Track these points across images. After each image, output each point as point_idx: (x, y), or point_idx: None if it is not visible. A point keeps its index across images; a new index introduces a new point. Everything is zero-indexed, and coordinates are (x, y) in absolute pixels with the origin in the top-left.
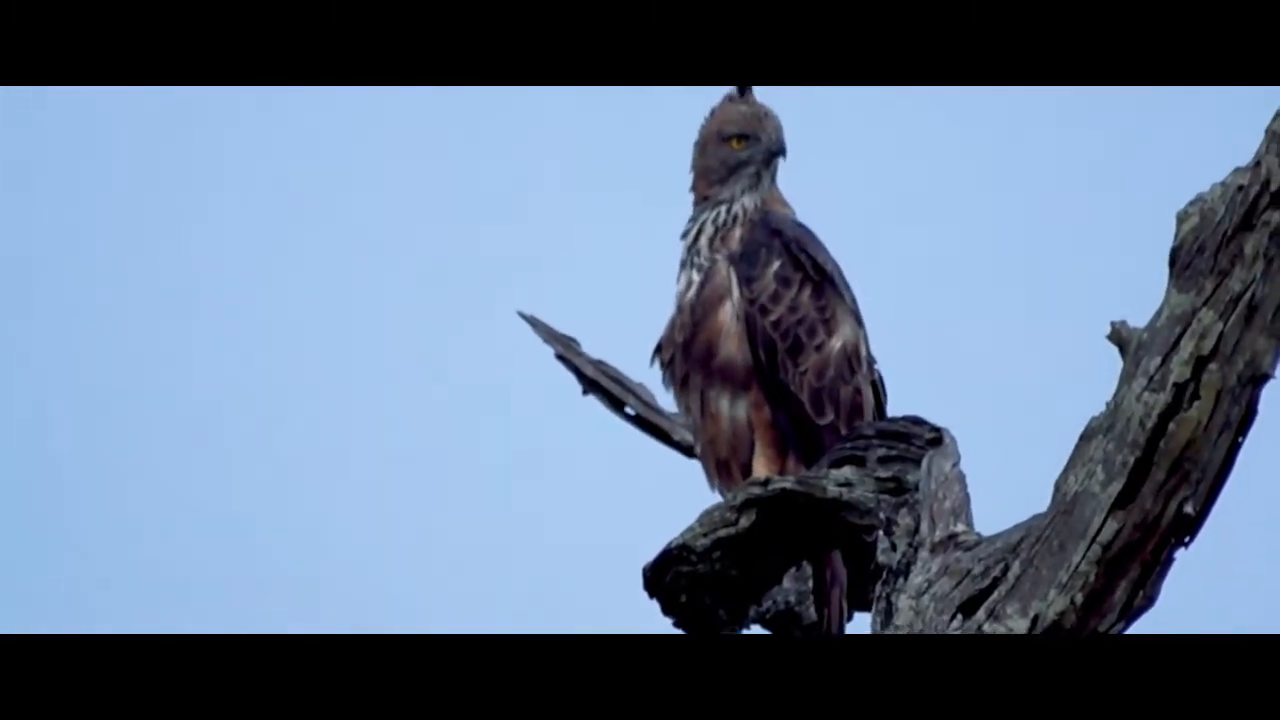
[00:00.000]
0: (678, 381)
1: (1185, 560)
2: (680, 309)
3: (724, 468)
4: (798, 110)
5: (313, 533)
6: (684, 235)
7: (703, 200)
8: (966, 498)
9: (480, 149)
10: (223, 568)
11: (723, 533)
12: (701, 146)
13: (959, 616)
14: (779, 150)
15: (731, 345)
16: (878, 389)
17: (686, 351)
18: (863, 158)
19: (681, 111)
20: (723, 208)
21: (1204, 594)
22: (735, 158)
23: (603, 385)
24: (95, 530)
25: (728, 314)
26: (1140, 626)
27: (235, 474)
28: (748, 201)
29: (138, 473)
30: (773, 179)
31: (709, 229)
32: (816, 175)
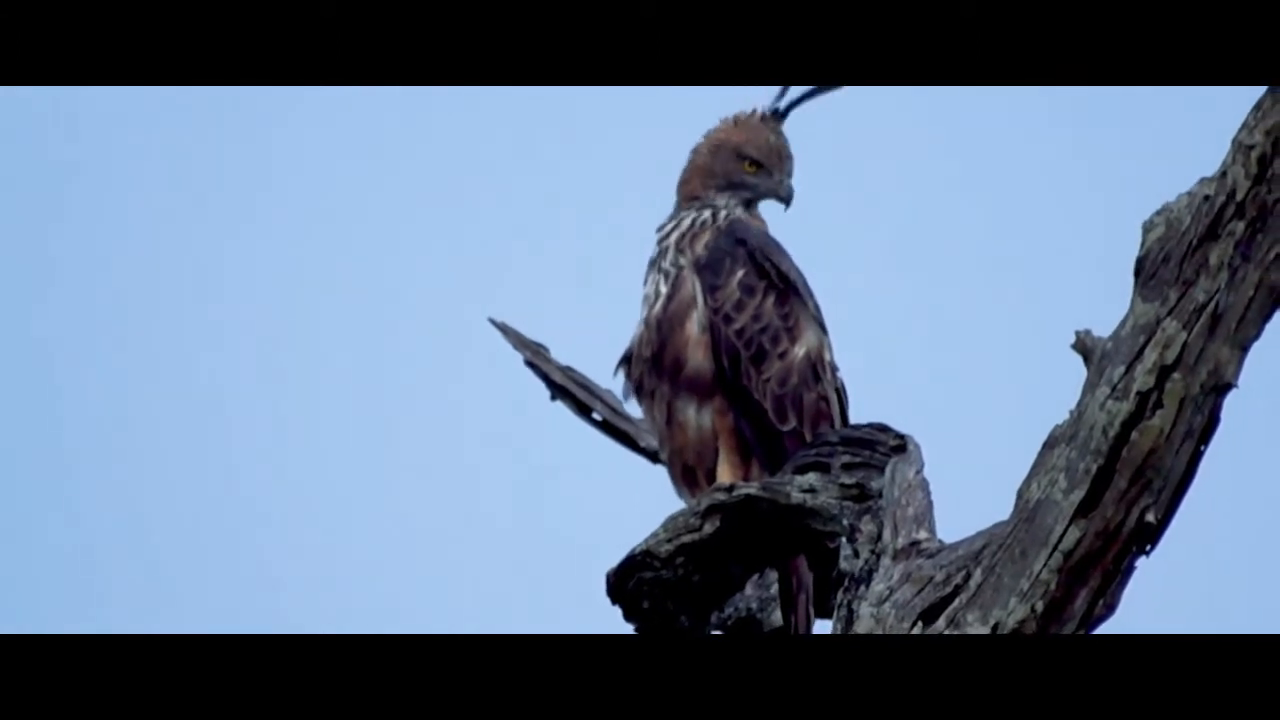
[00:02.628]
0: (645, 391)
1: (1146, 569)
2: (647, 324)
3: (689, 475)
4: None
5: (277, 536)
6: (660, 230)
7: (690, 199)
8: (929, 505)
9: (451, 153)
10: (193, 567)
11: (687, 539)
12: (714, 149)
13: (920, 624)
14: (785, 198)
15: (698, 355)
16: (841, 396)
17: (655, 365)
18: (829, 162)
19: (651, 116)
20: (707, 212)
21: (1165, 603)
22: (742, 178)
23: (571, 391)
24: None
25: (694, 326)
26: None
27: (199, 475)
28: (730, 213)
29: (101, 472)
30: (770, 202)
31: (684, 226)
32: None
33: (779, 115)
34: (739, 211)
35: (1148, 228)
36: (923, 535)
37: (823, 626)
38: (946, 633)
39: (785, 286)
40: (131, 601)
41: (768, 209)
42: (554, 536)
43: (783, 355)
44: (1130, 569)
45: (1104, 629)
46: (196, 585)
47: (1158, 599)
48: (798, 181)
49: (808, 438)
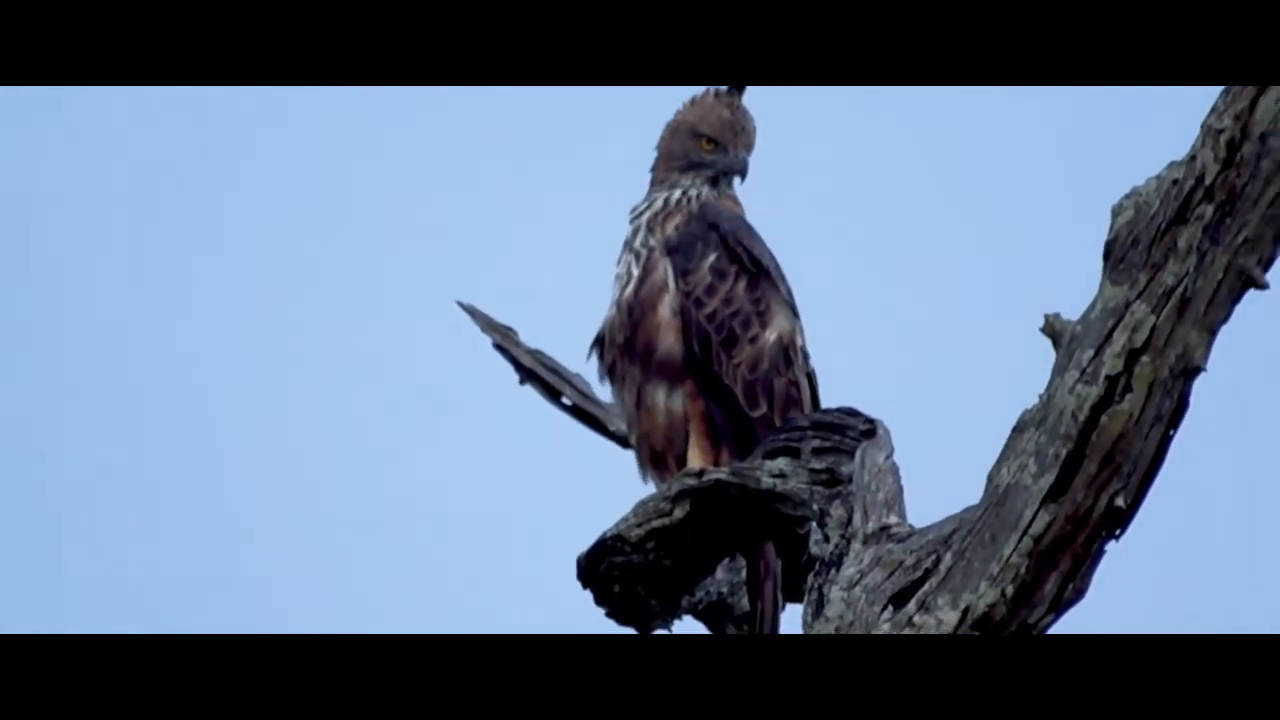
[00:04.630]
0: (617, 375)
1: (1115, 553)
2: (619, 308)
3: (659, 459)
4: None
5: (241, 523)
6: (633, 212)
7: (660, 182)
8: (899, 489)
9: (419, 138)
10: (157, 567)
11: (657, 523)
12: (673, 130)
13: (890, 608)
14: (739, 172)
15: (669, 339)
16: (811, 381)
17: (626, 349)
18: (802, 150)
19: (619, 107)
20: (677, 191)
21: (1135, 587)
22: (699, 156)
23: (540, 375)
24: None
25: (665, 311)
26: (1070, 619)
27: (165, 463)
28: (701, 195)
29: (66, 459)
30: (730, 184)
31: (656, 207)
32: (757, 167)
33: (736, 90)
34: (706, 192)
35: (1116, 211)
36: (893, 520)
37: (792, 611)
38: (917, 617)
39: (757, 271)
40: (87, 598)
41: (743, 191)
42: (523, 521)
43: (754, 340)
44: (1100, 553)
45: (1073, 615)
46: (155, 577)
47: (1128, 583)
48: (773, 167)
49: (778, 423)
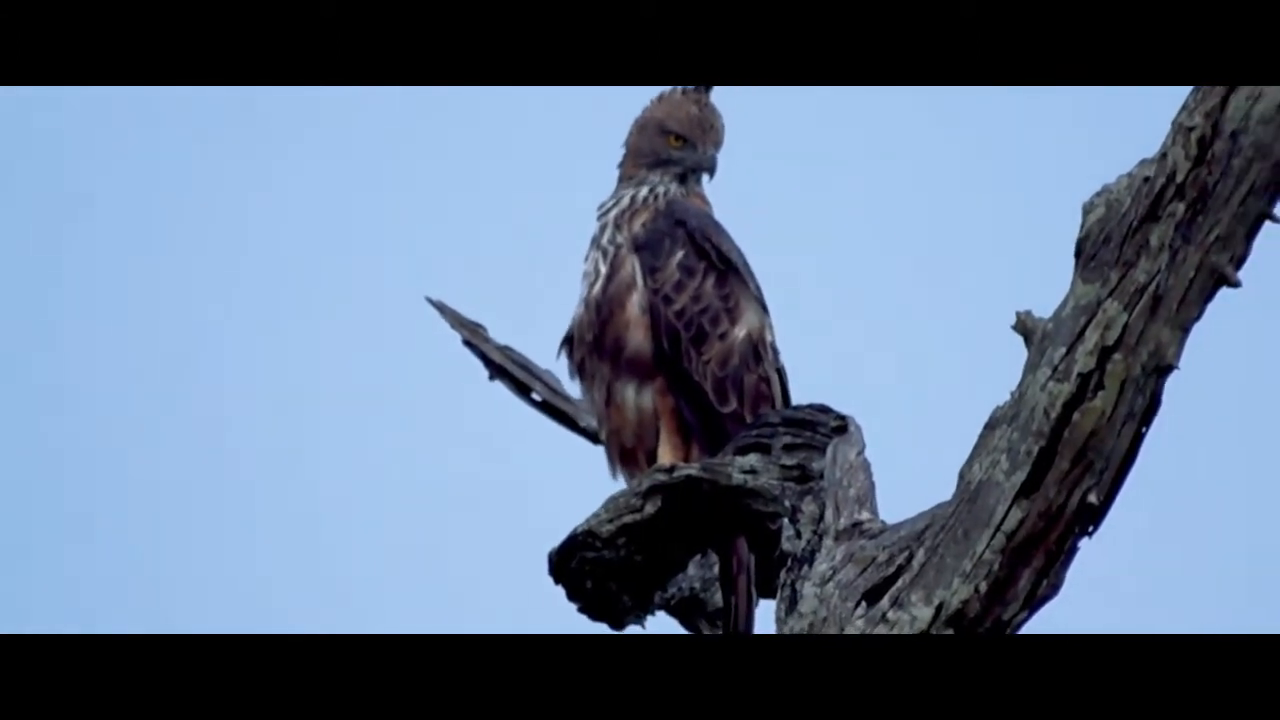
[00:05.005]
0: (586, 373)
1: (1089, 549)
2: (587, 305)
3: (629, 456)
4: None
5: (212, 524)
6: (600, 209)
7: (628, 179)
8: (871, 485)
9: (389, 134)
10: (120, 566)
11: (628, 519)
12: (641, 127)
13: (863, 604)
14: (707, 169)
15: (638, 336)
16: (782, 377)
17: (595, 346)
18: (774, 148)
19: (587, 105)
20: (644, 189)
21: (1108, 583)
22: (668, 153)
23: (509, 371)
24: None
25: (634, 308)
26: (1045, 616)
27: (134, 461)
28: (668, 192)
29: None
30: (698, 182)
31: (623, 204)
32: (726, 165)
33: (704, 87)
34: (674, 189)
35: (1088, 209)
36: (865, 516)
37: (765, 607)
38: (891, 613)
39: (725, 267)
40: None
41: (711, 188)
42: (494, 517)
43: (723, 336)
44: (1073, 550)
45: (1047, 611)
46: (121, 576)
47: (1102, 579)
48: (742, 164)
49: (749, 419)
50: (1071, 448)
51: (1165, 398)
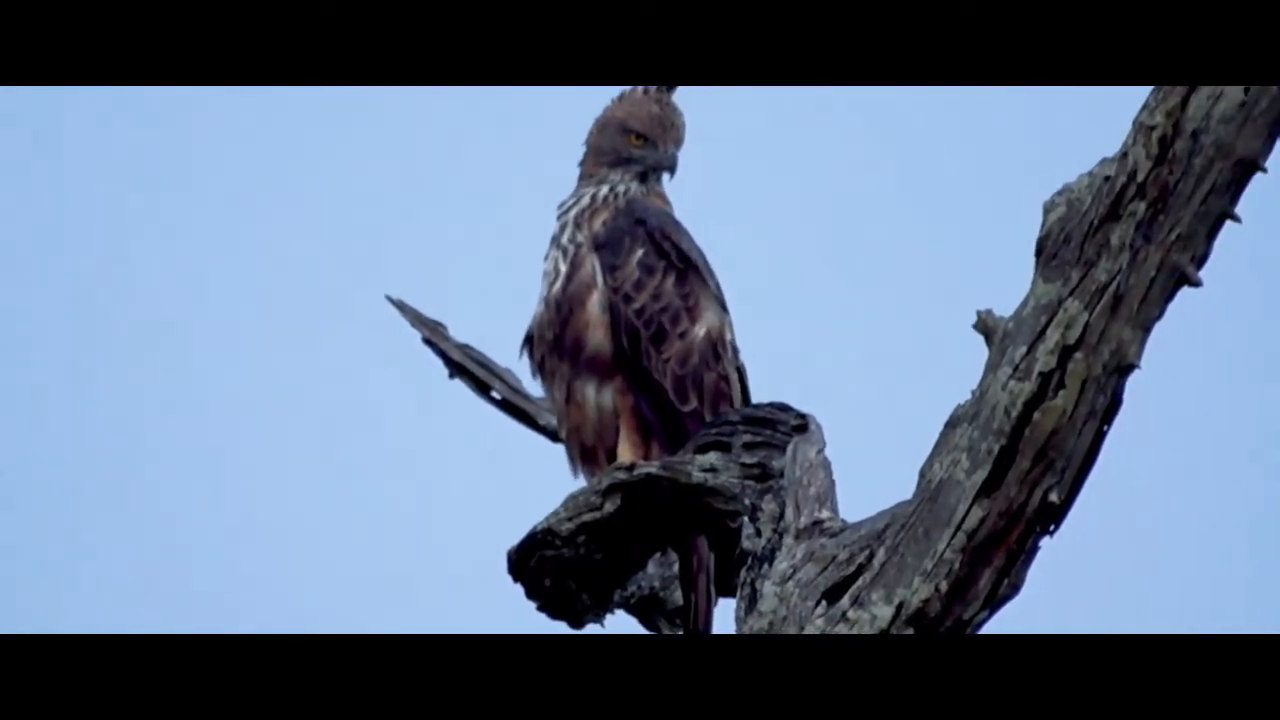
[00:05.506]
0: (547, 372)
1: (1049, 548)
2: (547, 304)
3: (590, 454)
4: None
5: (170, 523)
6: (561, 208)
7: (588, 178)
8: (832, 484)
9: (349, 131)
10: (69, 566)
11: (587, 517)
12: (601, 126)
13: (823, 603)
14: (668, 168)
15: (598, 335)
16: (742, 376)
17: (556, 345)
18: (733, 147)
19: (549, 104)
20: (605, 188)
21: (1069, 582)
22: (629, 152)
23: (469, 369)
24: None
25: (594, 307)
26: (1006, 615)
27: (91, 461)
28: (629, 191)
29: None
30: (659, 180)
31: (583, 203)
32: (689, 165)
33: (667, 87)
34: (635, 188)
35: (1049, 208)
36: (825, 514)
37: (724, 605)
38: (851, 612)
39: (685, 266)
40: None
41: (671, 187)
42: (454, 515)
43: (683, 335)
44: (1034, 548)
45: (1009, 611)
46: (78, 577)
47: (1063, 578)
48: (704, 163)
49: (709, 417)
50: (1032, 446)
51: (1126, 397)
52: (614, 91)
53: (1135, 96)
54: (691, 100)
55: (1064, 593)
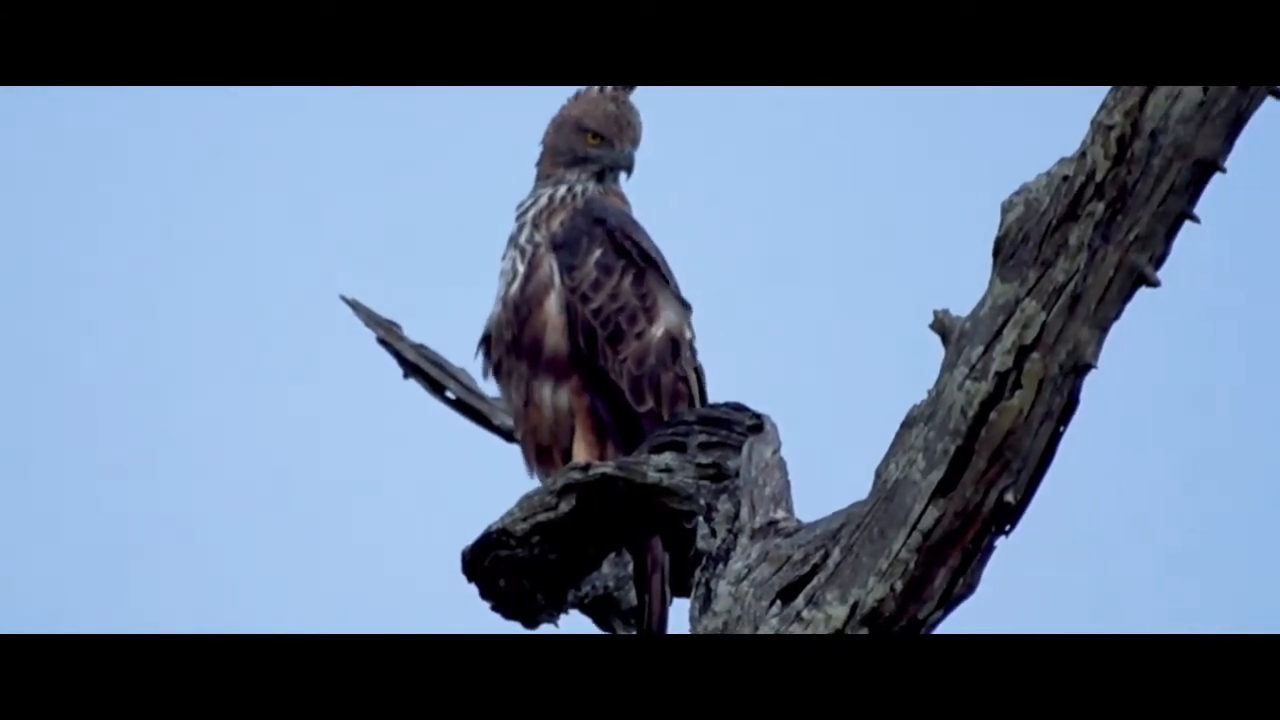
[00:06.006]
0: (504, 372)
1: (1005, 548)
2: (504, 305)
3: (545, 454)
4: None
5: (121, 523)
6: (518, 208)
7: (545, 178)
8: (787, 484)
9: (303, 132)
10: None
11: (542, 517)
12: (558, 125)
13: (778, 603)
14: (625, 167)
15: (556, 335)
16: (699, 376)
17: (513, 346)
18: (690, 146)
19: (504, 103)
20: (562, 188)
21: (1024, 582)
22: (585, 151)
23: (424, 370)
24: None
25: (552, 307)
26: (961, 615)
27: (46, 461)
28: (586, 190)
29: None
30: (616, 180)
31: (541, 203)
32: (647, 165)
33: (624, 86)
34: (592, 187)
35: (1007, 208)
36: (780, 514)
37: (679, 605)
38: (805, 612)
39: (644, 266)
40: None
41: (628, 186)
42: (408, 515)
43: (640, 335)
44: (990, 549)
45: (963, 611)
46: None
47: (1017, 579)
48: (660, 162)
49: (665, 417)
50: (989, 447)
51: (1083, 397)
52: (570, 91)
53: (1094, 96)
54: (650, 99)
55: (1019, 592)
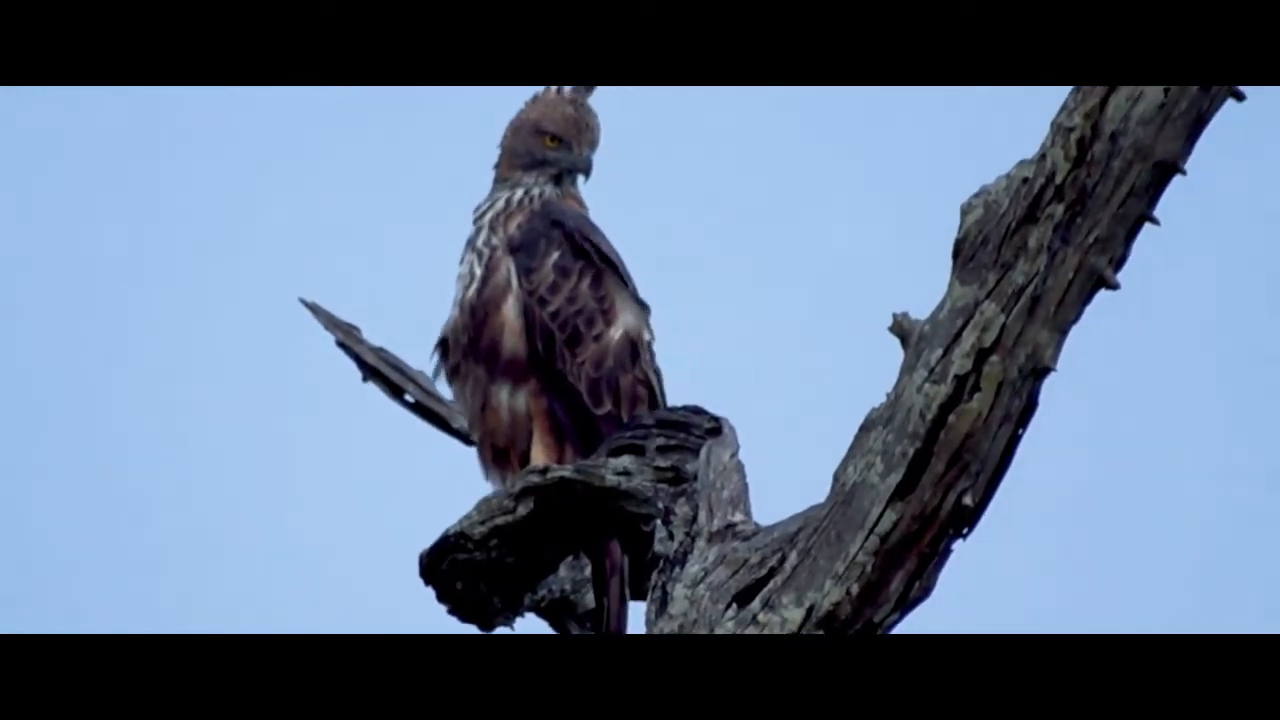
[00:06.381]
0: (460, 375)
1: (961, 551)
2: (461, 308)
3: (502, 457)
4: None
5: (77, 525)
6: (476, 211)
7: (503, 180)
8: (745, 487)
9: (262, 134)
10: None
11: (500, 521)
12: (516, 128)
13: (734, 606)
14: (583, 170)
15: (513, 338)
16: (657, 378)
17: (471, 349)
18: (649, 150)
19: (464, 105)
20: (520, 190)
21: (980, 586)
22: (544, 154)
23: (383, 373)
24: None
25: (510, 310)
26: (916, 618)
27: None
28: (544, 193)
29: None
30: (574, 183)
31: (498, 206)
32: (605, 167)
33: (582, 89)
34: (550, 190)
35: (966, 210)
36: (738, 518)
37: (637, 609)
38: (762, 615)
39: (602, 268)
40: None
41: (586, 189)
42: (366, 519)
43: (598, 338)
44: (947, 552)
45: (920, 614)
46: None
47: (974, 583)
48: (617, 166)
49: (624, 420)
50: (947, 450)
51: (1042, 400)
52: (528, 92)
53: (1054, 97)
54: (610, 99)
55: (975, 596)
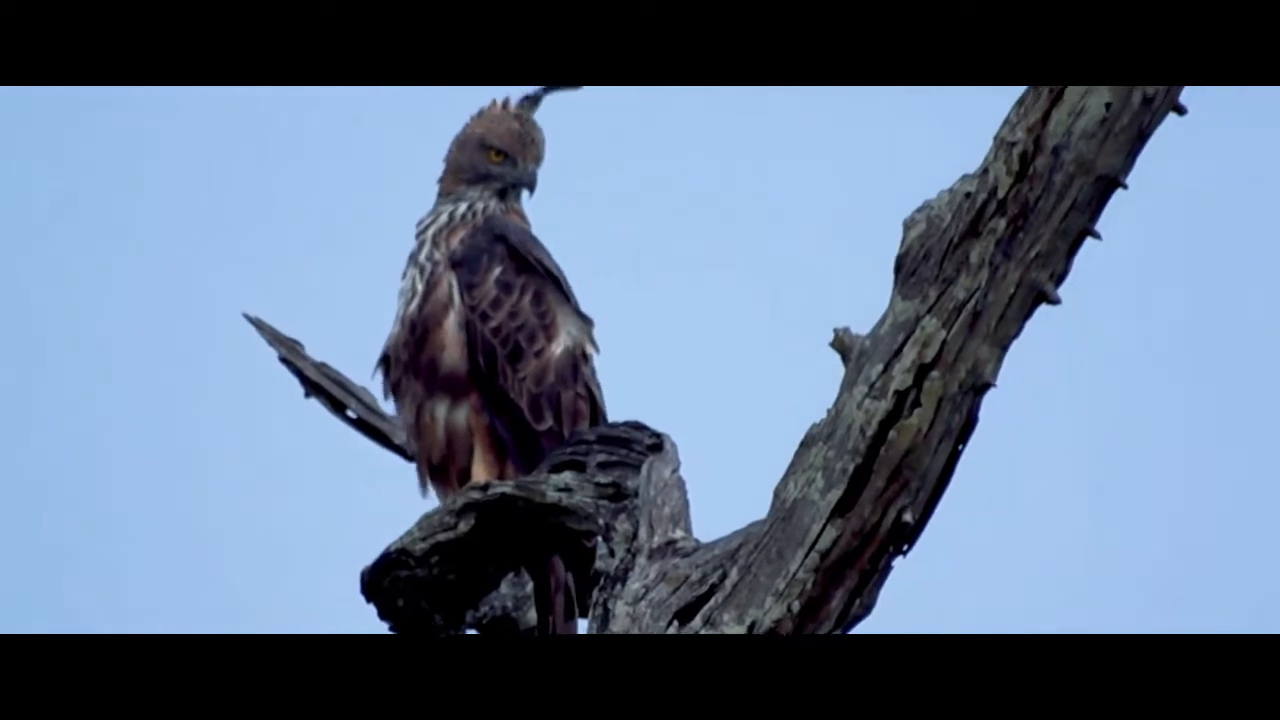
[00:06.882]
0: (401, 392)
1: (902, 568)
2: (403, 324)
3: (440, 473)
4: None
5: (23, 536)
6: (419, 225)
7: (447, 194)
8: (686, 504)
9: (205, 145)
10: None
11: (441, 537)
12: (461, 143)
13: (675, 623)
14: (527, 185)
15: (454, 354)
16: (599, 394)
17: (411, 365)
18: (591, 159)
19: (406, 115)
20: (463, 205)
21: (922, 602)
22: (488, 169)
23: (325, 388)
24: None
25: (450, 326)
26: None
27: None
28: (488, 208)
29: None
30: (518, 198)
31: (441, 221)
32: (553, 174)
33: (528, 103)
34: (494, 205)
35: (909, 225)
36: (679, 534)
37: (580, 625)
38: (703, 633)
39: (544, 283)
40: None
41: (531, 204)
42: (308, 535)
43: (539, 354)
44: (887, 569)
45: (860, 629)
46: None
47: (915, 598)
48: (563, 177)
49: (565, 436)
50: (887, 466)
51: (982, 416)
52: (471, 98)
53: (997, 110)
54: (552, 102)
55: (915, 614)
